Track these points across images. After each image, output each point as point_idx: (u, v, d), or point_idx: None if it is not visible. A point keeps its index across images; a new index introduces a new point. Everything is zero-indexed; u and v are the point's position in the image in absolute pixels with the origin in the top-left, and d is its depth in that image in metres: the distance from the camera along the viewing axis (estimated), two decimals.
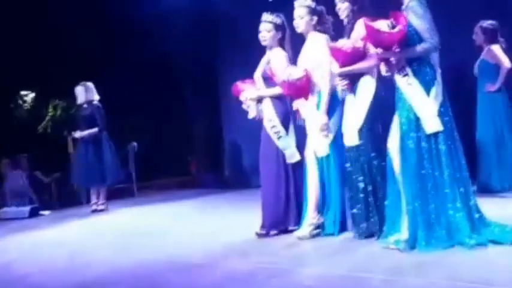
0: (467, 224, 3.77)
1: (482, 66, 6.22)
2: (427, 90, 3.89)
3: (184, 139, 10.40)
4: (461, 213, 3.79)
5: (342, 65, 4.38)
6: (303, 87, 4.65)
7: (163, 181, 10.72)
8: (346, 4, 4.40)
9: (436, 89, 3.90)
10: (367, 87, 4.34)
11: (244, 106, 5.10)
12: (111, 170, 7.94)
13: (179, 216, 6.99)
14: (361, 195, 4.31)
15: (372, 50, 4.07)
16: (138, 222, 6.87)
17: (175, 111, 10.32)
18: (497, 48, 6.07)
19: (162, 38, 9.70)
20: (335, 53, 4.40)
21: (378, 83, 4.33)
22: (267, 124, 4.92)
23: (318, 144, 4.56)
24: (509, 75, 6.08)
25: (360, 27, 4.25)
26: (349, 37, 4.38)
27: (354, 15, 4.38)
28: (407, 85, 3.92)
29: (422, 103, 3.87)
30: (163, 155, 10.52)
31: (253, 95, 5.00)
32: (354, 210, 4.37)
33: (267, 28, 4.92)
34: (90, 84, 7.99)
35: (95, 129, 7.84)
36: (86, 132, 7.84)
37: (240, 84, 5.19)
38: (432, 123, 3.84)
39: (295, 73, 4.64)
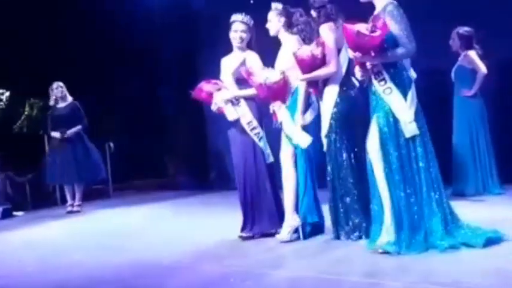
0: (441, 227, 3.81)
1: (459, 72, 6.29)
2: (404, 95, 3.92)
3: (163, 140, 10.32)
4: (437, 217, 3.83)
5: (304, 72, 4.47)
6: (280, 91, 4.63)
7: (140, 182, 10.62)
8: (313, 11, 4.52)
9: (412, 93, 3.94)
10: (331, 93, 4.42)
11: (213, 107, 4.98)
12: (93, 168, 7.91)
13: (154, 218, 6.93)
14: (337, 197, 4.42)
15: (351, 54, 4.07)
16: (113, 223, 6.79)
17: (154, 112, 10.24)
18: (473, 54, 6.14)
19: (140, 37, 9.63)
20: (296, 60, 4.46)
21: (342, 89, 4.39)
22: (246, 126, 4.86)
23: (299, 137, 4.53)
24: (485, 81, 6.15)
25: (322, 33, 4.40)
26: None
27: (319, 22, 4.48)
28: (386, 90, 3.94)
29: (401, 108, 3.90)
30: (141, 156, 10.41)
31: (227, 96, 4.90)
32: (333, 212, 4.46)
33: (243, 29, 4.88)
34: (63, 84, 7.94)
35: (79, 127, 7.81)
36: (74, 130, 7.77)
37: (206, 86, 5.01)
38: (410, 128, 3.88)
39: (272, 76, 4.62)
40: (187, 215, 6.89)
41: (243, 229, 4.90)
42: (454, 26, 6.26)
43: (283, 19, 4.68)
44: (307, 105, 4.60)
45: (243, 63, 4.86)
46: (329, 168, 4.46)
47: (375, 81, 3.99)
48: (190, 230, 5.70)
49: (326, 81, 4.47)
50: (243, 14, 4.92)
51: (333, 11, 4.48)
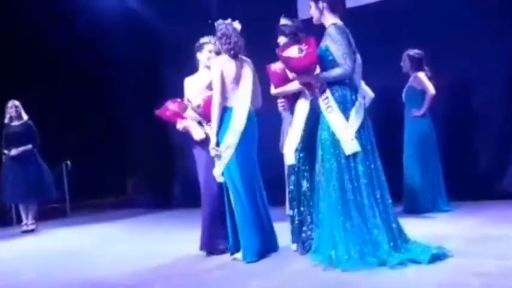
0: (387, 243, 3.88)
1: (409, 93, 6.48)
2: (346, 113, 4.03)
3: (122, 158, 10.27)
4: (382, 232, 3.90)
5: (276, 86, 4.58)
6: (207, 113, 4.72)
7: (98, 201, 10.54)
8: (283, 38, 4.61)
9: (356, 111, 4.04)
10: (302, 108, 4.52)
11: (179, 126, 5.03)
12: (43, 187, 7.82)
13: (110, 237, 6.89)
14: (297, 213, 4.53)
15: (290, 75, 4.19)
16: (67, 242, 6.71)
17: (113, 130, 10.20)
18: (423, 76, 6.34)
19: (100, 56, 9.64)
20: (269, 74, 4.56)
21: (313, 105, 4.46)
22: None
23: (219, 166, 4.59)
24: (433, 101, 6.35)
25: (308, 45, 4.39)
26: None
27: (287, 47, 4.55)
28: (327, 108, 4.07)
29: (341, 126, 4.01)
30: (99, 174, 10.35)
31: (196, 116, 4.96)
32: (295, 225, 4.57)
33: (213, 49, 4.93)
34: (18, 103, 7.88)
35: (29, 146, 7.73)
36: (22, 149, 7.69)
37: (171, 105, 5.05)
38: (350, 145, 3.98)
39: (195, 101, 4.84)
40: (144, 234, 6.86)
41: (201, 247, 4.93)
42: (405, 49, 6.47)
43: (217, 42, 4.70)
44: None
45: (210, 83, 4.90)
46: (291, 183, 4.55)
47: (320, 100, 4.14)
48: (146, 249, 5.67)
49: (297, 96, 4.57)
50: (210, 36, 4.99)
51: (299, 34, 4.57)
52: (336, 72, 4.02)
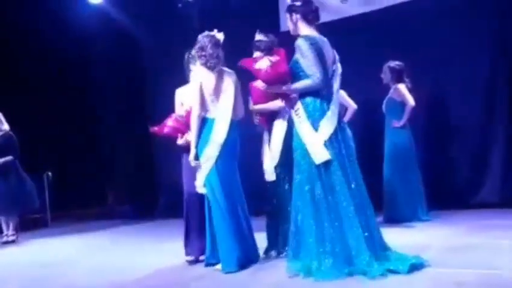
0: (366, 252, 3.88)
1: (389, 104, 6.56)
2: (317, 123, 4.06)
3: (103, 168, 10.24)
4: (361, 241, 3.91)
5: (255, 103, 4.68)
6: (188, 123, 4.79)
7: (79, 211, 10.47)
8: (258, 53, 4.71)
9: (326, 121, 4.07)
10: (280, 128, 4.65)
11: (180, 141, 5.00)
12: (24, 199, 7.75)
13: (91, 248, 6.84)
14: (275, 224, 4.72)
15: (260, 85, 4.27)
16: (48, 253, 6.65)
17: (96, 140, 10.17)
18: (403, 87, 6.42)
19: (83, 67, 9.62)
20: (250, 89, 4.62)
21: (291, 123, 4.50)
22: None
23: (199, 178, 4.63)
24: (413, 113, 6.44)
25: (278, 56, 4.44)
26: None
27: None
28: (298, 118, 4.12)
29: (310, 135, 4.04)
30: (81, 184, 10.29)
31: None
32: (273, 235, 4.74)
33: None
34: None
35: (10, 158, 7.65)
36: (2, 160, 7.62)
37: (170, 121, 4.99)
38: (320, 154, 4.00)
39: (179, 111, 4.91)
40: (125, 245, 6.83)
41: (187, 254, 4.98)
42: (386, 60, 6.56)
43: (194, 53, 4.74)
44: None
45: None
46: (270, 197, 4.72)
47: (292, 111, 4.21)
48: (127, 260, 5.65)
49: (275, 113, 4.68)
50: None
51: (273, 49, 4.64)
52: (304, 83, 4.07)
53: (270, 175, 4.77)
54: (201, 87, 4.54)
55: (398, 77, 6.47)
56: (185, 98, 4.99)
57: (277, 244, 4.81)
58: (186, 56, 5.05)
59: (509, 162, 6.84)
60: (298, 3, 4.19)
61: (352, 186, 4.02)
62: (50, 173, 9.14)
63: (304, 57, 4.04)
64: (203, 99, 4.53)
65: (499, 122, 6.92)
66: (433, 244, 4.82)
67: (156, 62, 9.39)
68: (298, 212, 4.09)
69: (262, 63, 4.11)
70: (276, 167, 4.71)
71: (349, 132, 4.39)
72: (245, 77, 4.73)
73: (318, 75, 4.02)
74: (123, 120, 9.88)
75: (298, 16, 4.17)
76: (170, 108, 5.10)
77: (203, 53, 4.57)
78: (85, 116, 10.11)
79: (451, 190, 7.06)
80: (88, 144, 10.08)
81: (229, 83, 4.62)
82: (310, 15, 4.18)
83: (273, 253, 4.82)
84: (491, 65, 6.96)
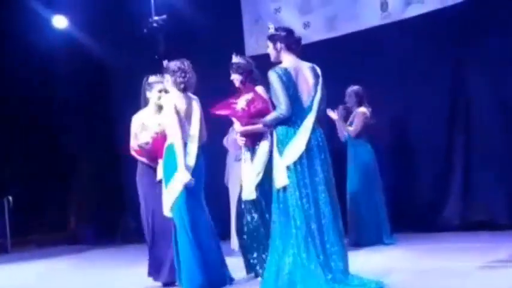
0: (323, 276, 3.89)
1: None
2: (283, 148, 4.13)
3: (66, 192, 10.09)
4: (317, 264, 3.92)
5: (243, 124, 4.76)
6: (155, 150, 4.85)
7: (41, 237, 10.26)
8: (237, 76, 4.85)
9: (291, 148, 4.13)
10: (264, 148, 4.74)
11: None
12: None
13: (51, 273, 6.70)
14: (250, 244, 4.77)
15: (237, 126, 4.53)
16: (9, 280, 6.51)
17: (57, 164, 10.02)
18: (362, 112, 6.49)
19: (47, 88, 9.55)
20: (233, 113, 4.71)
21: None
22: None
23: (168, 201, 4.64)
24: (378, 135, 6.50)
25: (260, 93, 4.70)
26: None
27: (245, 84, 4.83)
28: (263, 144, 4.28)
29: (276, 160, 4.16)
30: (43, 209, 10.10)
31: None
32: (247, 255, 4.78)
33: (164, 88, 4.96)
34: None
35: None
36: None
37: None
38: (281, 179, 4.09)
39: (142, 138, 4.91)
40: (87, 270, 6.74)
41: (149, 274, 4.96)
42: (347, 85, 6.65)
43: (169, 77, 4.73)
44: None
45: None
46: (247, 216, 4.77)
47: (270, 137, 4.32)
48: (88, 286, 5.59)
49: (260, 135, 4.76)
50: (159, 75, 5.04)
51: (258, 76, 4.86)
52: (272, 116, 4.21)
53: (249, 194, 4.75)
54: (176, 109, 4.55)
55: (360, 100, 6.58)
56: (148, 122, 5.01)
57: (255, 265, 4.79)
58: (143, 82, 5.11)
59: (469, 184, 6.94)
60: (282, 33, 4.30)
61: (311, 211, 4.05)
62: (10, 198, 8.96)
63: (273, 89, 4.14)
64: (181, 122, 4.56)
65: (459, 145, 7.02)
66: (396, 267, 4.84)
67: (121, 85, 9.37)
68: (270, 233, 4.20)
69: (241, 103, 4.27)
70: (257, 186, 4.72)
71: (329, 160, 4.35)
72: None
73: (283, 106, 4.10)
74: (86, 144, 9.79)
75: (283, 45, 4.27)
76: None
77: (183, 75, 4.62)
78: (47, 139, 9.97)
79: (413, 212, 7.14)
80: (50, 168, 9.92)
81: (196, 108, 4.69)
82: (294, 44, 4.30)
83: (253, 275, 4.82)
84: (451, 89, 7.10)
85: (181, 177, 4.42)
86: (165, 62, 4.73)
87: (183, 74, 4.62)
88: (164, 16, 8.20)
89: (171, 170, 4.50)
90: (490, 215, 6.74)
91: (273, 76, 4.13)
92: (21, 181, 9.85)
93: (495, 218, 6.70)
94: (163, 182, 4.62)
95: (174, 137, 4.51)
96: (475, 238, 6.24)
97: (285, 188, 4.08)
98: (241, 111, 4.30)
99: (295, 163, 4.09)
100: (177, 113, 4.55)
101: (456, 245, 5.91)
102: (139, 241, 5.39)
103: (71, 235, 10.06)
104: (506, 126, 6.66)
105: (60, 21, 9.31)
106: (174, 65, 4.65)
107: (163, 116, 4.76)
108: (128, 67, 9.05)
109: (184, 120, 4.59)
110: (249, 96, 4.33)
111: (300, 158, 4.10)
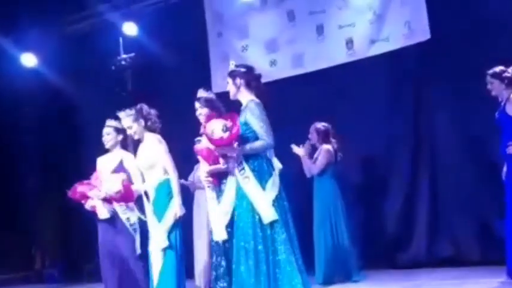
0: None
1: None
2: (263, 183, 4.13)
3: (29, 231, 9.90)
4: None
5: (210, 163, 4.77)
6: (125, 196, 5.03)
7: (5, 277, 10.00)
8: (205, 110, 4.87)
9: (272, 182, 4.16)
10: (232, 186, 4.64)
11: (87, 206, 5.27)
12: None
13: None
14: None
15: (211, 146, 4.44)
16: None
17: (22, 202, 9.86)
18: (326, 149, 6.47)
19: (12, 127, 9.45)
20: (201, 153, 4.80)
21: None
22: (126, 222, 5.16)
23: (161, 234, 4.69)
24: (341, 171, 6.51)
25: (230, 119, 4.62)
26: None
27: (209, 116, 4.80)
28: (244, 178, 4.18)
29: (258, 195, 4.11)
30: (7, 249, 9.88)
31: (101, 195, 5.15)
32: None
33: (108, 131, 5.26)
34: None
35: None
36: None
37: (79, 187, 5.29)
38: (268, 214, 4.06)
39: (112, 187, 5.02)
40: None
41: None
42: (314, 121, 6.67)
43: (141, 121, 4.87)
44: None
45: (121, 163, 5.20)
46: (216, 257, 4.75)
47: (236, 171, 4.26)
48: None
49: (225, 173, 4.73)
50: (113, 119, 5.21)
51: (224, 113, 4.79)
52: (256, 145, 4.18)
53: (219, 234, 4.71)
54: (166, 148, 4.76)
55: (324, 137, 6.58)
56: (107, 165, 5.13)
57: None
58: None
59: (434, 221, 6.96)
60: (242, 70, 4.36)
61: (294, 246, 4.10)
62: None
63: (258, 120, 4.16)
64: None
65: (425, 182, 7.06)
66: None
67: (89, 123, 9.30)
68: (240, 265, 4.09)
69: (217, 126, 4.20)
70: (227, 226, 4.66)
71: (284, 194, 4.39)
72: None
73: (270, 138, 4.17)
74: (49, 180, 9.66)
75: (242, 81, 4.31)
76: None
77: (157, 122, 4.90)
78: (9, 177, 9.83)
79: (381, 249, 7.13)
80: (13, 207, 9.75)
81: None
82: (253, 82, 4.33)
83: None
84: (415, 125, 7.18)
85: (178, 211, 4.65)
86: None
87: (149, 117, 4.89)
88: (132, 54, 8.27)
89: (163, 205, 4.67)
90: (457, 250, 6.76)
91: (257, 106, 4.19)
92: None
93: (462, 253, 6.72)
94: (154, 216, 4.69)
95: (170, 174, 4.73)
96: (442, 275, 6.21)
97: (272, 223, 4.06)
98: (220, 137, 4.23)
99: (277, 196, 4.13)
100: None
101: (422, 282, 5.90)
102: None
103: (37, 274, 9.86)
104: (472, 161, 6.72)
105: (28, 59, 9.25)
106: (144, 110, 4.85)
107: (141, 157, 4.87)
108: (96, 104, 9.00)
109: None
110: (227, 122, 4.26)
111: (280, 190, 4.17)
